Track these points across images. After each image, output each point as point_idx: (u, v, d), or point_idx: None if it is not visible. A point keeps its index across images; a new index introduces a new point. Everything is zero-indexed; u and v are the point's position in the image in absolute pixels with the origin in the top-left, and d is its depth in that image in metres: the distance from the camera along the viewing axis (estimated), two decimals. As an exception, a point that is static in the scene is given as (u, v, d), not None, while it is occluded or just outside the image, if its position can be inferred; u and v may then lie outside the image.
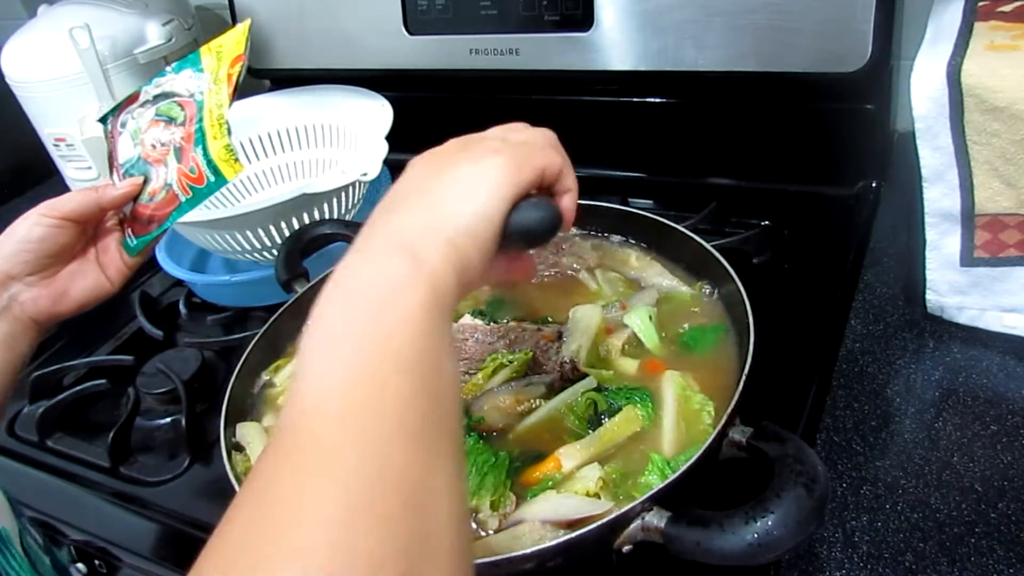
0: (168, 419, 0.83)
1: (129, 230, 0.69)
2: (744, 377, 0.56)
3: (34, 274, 0.64)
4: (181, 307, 0.99)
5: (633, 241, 0.80)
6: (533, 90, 1.07)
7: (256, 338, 0.72)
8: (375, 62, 1.08)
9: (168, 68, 0.70)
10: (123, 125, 0.70)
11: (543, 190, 0.49)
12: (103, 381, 0.87)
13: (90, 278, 0.67)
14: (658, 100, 1.01)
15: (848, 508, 0.59)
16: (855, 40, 0.82)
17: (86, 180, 1.23)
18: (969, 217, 0.68)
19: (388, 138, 0.90)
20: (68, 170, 1.24)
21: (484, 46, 1.00)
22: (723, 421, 0.53)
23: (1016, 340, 0.70)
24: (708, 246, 0.71)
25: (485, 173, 0.44)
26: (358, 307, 0.38)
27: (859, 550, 0.56)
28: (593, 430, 0.59)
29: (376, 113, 0.97)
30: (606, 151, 1.08)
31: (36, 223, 0.64)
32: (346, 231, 0.84)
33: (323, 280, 0.77)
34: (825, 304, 0.78)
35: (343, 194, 0.90)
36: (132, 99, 0.71)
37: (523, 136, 0.50)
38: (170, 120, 0.68)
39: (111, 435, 0.79)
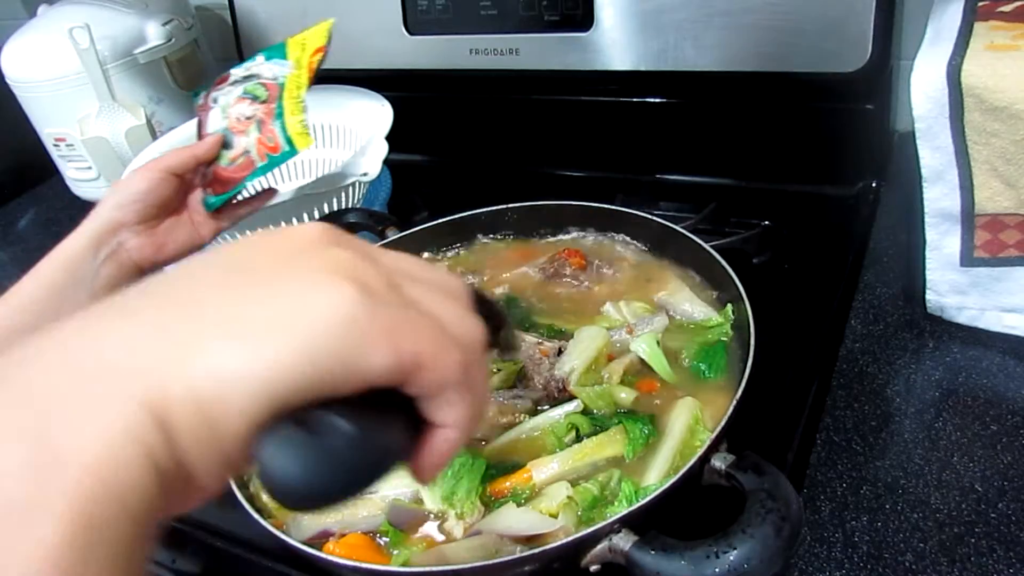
0: (168, 419, 0.83)
1: (209, 189, 0.76)
2: (736, 402, 0.54)
3: (140, 223, 0.70)
4: (181, 307, 0.99)
5: (673, 260, 0.78)
6: (533, 90, 1.07)
7: None
8: (375, 62, 1.08)
9: (258, 54, 0.78)
10: (214, 101, 0.79)
11: (402, 395, 0.27)
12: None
13: (184, 232, 0.74)
14: (658, 100, 1.01)
15: (848, 508, 0.59)
16: (855, 40, 0.82)
17: (86, 180, 1.23)
18: (969, 217, 0.68)
19: (388, 138, 0.90)
20: (68, 170, 1.24)
21: (484, 46, 1.00)
22: (706, 446, 0.51)
23: (1016, 340, 0.70)
24: (707, 247, 0.71)
25: (310, 306, 0.24)
26: None
27: (859, 550, 0.56)
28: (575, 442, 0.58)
29: (376, 113, 0.97)
30: (606, 151, 1.08)
31: (141, 176, 0.71)
32: (371, 221, 0.85)
33: None
34: (825, 304, 0.78)
35: (343, 194, 0.90)
36: (222, 79, 0.80)
37: (425, 293, 0.28)
38: (254, 98, 0.76)
39: (111, 435, 0.79)
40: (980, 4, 0.70)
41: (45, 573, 0.20)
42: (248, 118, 0.76)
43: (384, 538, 0.55)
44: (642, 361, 0.65)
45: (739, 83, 0.92)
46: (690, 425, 0.58)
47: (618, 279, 0.77)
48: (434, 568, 0.49)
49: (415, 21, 1.03)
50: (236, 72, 0.79)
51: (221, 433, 0.23)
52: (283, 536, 0.53)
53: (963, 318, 0.73)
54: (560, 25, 0.95)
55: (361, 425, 0.25)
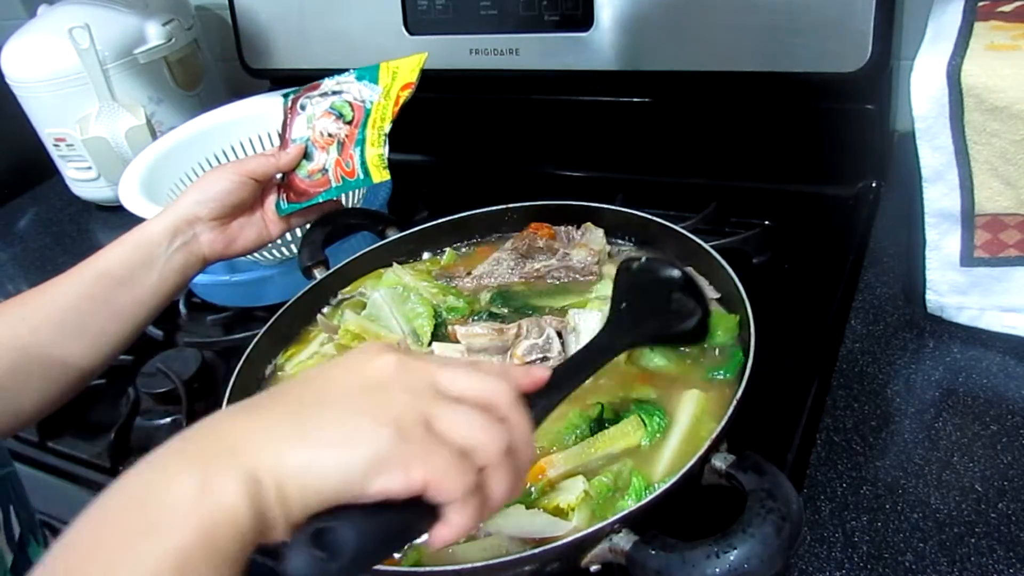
0: (168, 419, 0.83)
1: (283, 195, 0.79)
2: (736, 402, 0.54)
3: (215, 219, 0.74)
4: (181, 307, 0.99)
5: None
6: (533, 90, 1.07)
7: (267, 326, 0.73)
8: (375, 62, 1.07)
9: (350, 71, 0.80)
10: (302, 107, 0.81)
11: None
12: (103, 381, 0.87)
13: (255, 230, 0.78)
14: (658, 100, 1.01)
15: (848, 508, 0.59)
16: (855, 40, 0.82)
17: (86, 180, 1.23)
18: (969, 217, 0.68)
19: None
20: (68, 170, 1.24)
21: (484, 46, 1.00)
22: (706, 446, 0.51)
23: (1016, 340, 0.70)
24: (707, 246, 0.71)
25: (358, 440, 0.36)
26: (112, 528, 0.34)
27: (859, 550, 0.56)
28: (593, 434, 0.58)
29: (376, 113, 0.96)
30: (605, 151, 1.08)
31: (223, 177, 0.75)
32: (369, 221, 0.85)
33: (343, 267, 0.79)
34: (825, 304, 0.78)
35: (343, 194, 0.90)
36: (313, 87, 0.82)
37: (453, 424, 0.39)
38: (340, 116, 0.78)
39: (111, 435, 0.79)
40: (980, 4, 0.70)
41: (181, 555, 0.32)
42: (331, 135, 0.78)
43: None
44: None
45: (739, 83, 0.92)
46: (696, 416, 0.59)
47: (589, 239, 0.78)
48: (433, 568, 0.49)
49: (415, 21, 1.03)
50: (327, 83, 0.81)
51: (289, 503, 0.35)
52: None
53: (963, 318, 0.73)
54: (560, 25, 0.95)
55: (368, 527, 0.36)
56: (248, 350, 0.70)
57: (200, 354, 0.87)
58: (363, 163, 0.76)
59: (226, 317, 0.96)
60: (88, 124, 1.15)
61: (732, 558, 0.44)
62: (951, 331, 0.73)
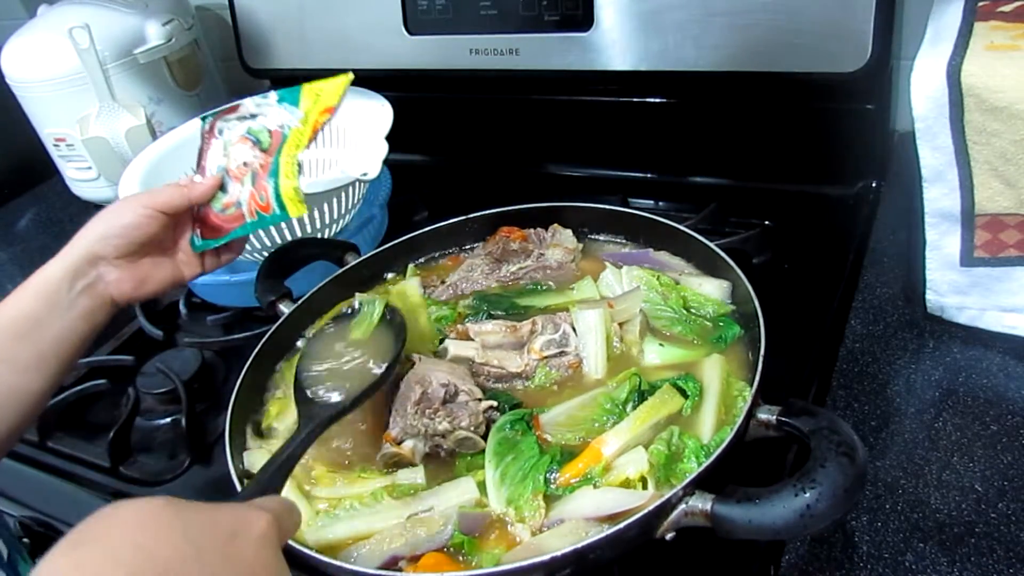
0: (168, 419, 0.83)
1: (198, 230, 0.73)
2: (761, 360, 0.57)
3: (121, 258, 0.67)
4: (181, 307, 0.99)
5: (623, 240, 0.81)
6: (533, 90, 1.07)
7: (243, 372, 0.68)
8: (375, 62, 1.08)
9: (272, 92, 0.74)
10: (219, 132, 0.75)
11: None
12: (103, 381, 0.87)
13: (168, 270, 0.72)
14: (658, 100, 1.01)
15: (848, 508, 0.59)
16: (855, 40, 0.82)
17: (86, 180, 1.23)
18: (969, 217, 0.68)
19: (388, 138, 0.90)
20: (68, 170, 1.24)
21: (484, 46, 1.00)
22: (748, 402, 0.54)
23: (1016, 340, 0.70)
24: (712, 244, 0.71)
25: None
26: None
27: (859, 550, 0.56)
28: (632, 410, 0.59)
29: (376, 113, 0.96)
30: (606, 151, 1.08)
31: (129, 210, 0.68)
32: (326, 249, 0.82)
33: (308, 300, 0.74)
34: (825, 304, 0.78)
35: (343, 194, 0.90)
36: (232, 108, 0.75)
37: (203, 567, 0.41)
38: (257, 142, 0.72)
39: (111, 435, 0.79)
40: (980, 4, 0.70)
41: None
42: (246, 164, 0.72)
43: (461, 553, 0.54)
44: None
45: (739, 83, 0.92)
46: (724, 377, 0.61)
47: (561, 238, 0.79)
48: (521, 564, 0.48)
49: (415, 21, 1.03)
50: (247, 105, 0.75)
51: None
52: (359, 568, 0.52)
53: (963, 318, 0.73)
54: (560, 25, 0.95)
55: None
56: (230, 409, 0.65)
57: (200, 354, 0.87)
58: (277, 196, 0.70)
59: (226, 317, 0.96)
60: (88, 124, 1.15)
61: (819, 492, 0.45)
62: (951, 331, 0.73)
